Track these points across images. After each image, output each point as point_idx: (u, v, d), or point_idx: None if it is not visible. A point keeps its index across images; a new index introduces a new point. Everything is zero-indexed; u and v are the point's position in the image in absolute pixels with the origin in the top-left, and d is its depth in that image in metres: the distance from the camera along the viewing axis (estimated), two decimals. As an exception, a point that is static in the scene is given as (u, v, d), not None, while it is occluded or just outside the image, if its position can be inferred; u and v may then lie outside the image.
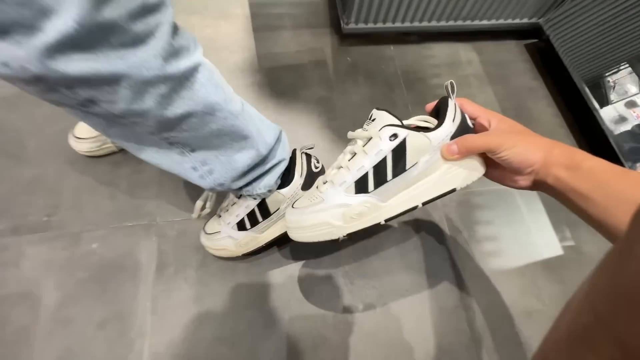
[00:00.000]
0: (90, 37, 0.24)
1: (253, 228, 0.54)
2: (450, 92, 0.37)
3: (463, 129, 0.37)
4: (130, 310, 0.54)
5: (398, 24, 0.81)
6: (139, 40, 0.27)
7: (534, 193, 0.71)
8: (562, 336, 0.20)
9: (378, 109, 0.38)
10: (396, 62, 0.84)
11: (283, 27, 0.87)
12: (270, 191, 0.49)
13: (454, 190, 0.37)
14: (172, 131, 0.35)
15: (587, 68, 0.77)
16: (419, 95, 0.80)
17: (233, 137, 0.40)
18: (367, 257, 0.61)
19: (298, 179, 0.51)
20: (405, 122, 0.38)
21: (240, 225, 0.53)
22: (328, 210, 0.38)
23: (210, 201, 0.53)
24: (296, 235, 0.41)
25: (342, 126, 0.74)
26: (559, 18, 0.81)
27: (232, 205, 0.53)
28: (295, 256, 0.60)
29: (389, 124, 0.36)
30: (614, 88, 0.72)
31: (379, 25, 0.81)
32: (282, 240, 0.59)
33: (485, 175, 0.40)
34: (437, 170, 0.37)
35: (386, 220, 0.38)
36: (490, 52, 0.90)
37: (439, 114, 0.38)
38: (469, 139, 0.35)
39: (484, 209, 0.68)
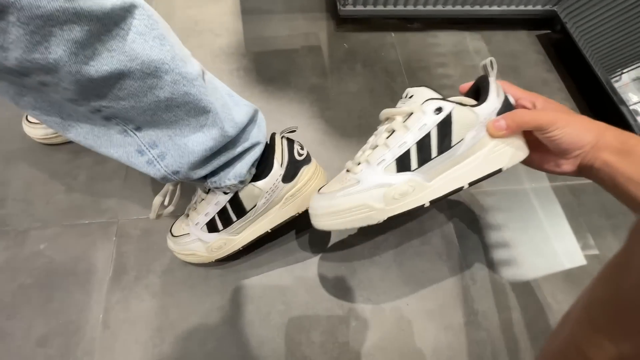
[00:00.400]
0: None
1: (226, 229, 0.45)
2: (489, 69, 0.34)
3: (507, 107, 0.34)
4: (79, 324, 0.45)
5: (400, 7, 0.74)
6: None
7: (551, 194, 0.63)
8: (560, 347, 0.20)
9: (412, 86, 0.36)
10: (397, 50, 0.77)
11: (275, 10, 0.79)
12: (242, 182, 0.41)
13: (500, 170, 0.35)
14: (103, 99, 0.27)
15: (610, 60, 0.70)
16: (423, 85, 0.72)
17: (188, 110, 0.31)
18: (361, 263, 0.53)
19: (278, 168, 0.43)
20: None
21: (211, 226, 0.45)
22: (366, 191, 0.34)
23: (172, 197, 0.44)
24: (323, 223, 0.36)
25: (336, 116, 0.66)
26: (576, 5, 0.74)
27: (199, 202, 0.45)
28: (278, 261, 0.52)
29: (431, 97, 0.33)
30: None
31: (379, 8, 0.73)
32: (262, 243, 0.51)
33: (524, 160, 0.36)
34: (483, 148, 0.34)
35: (431, 202, 0.35)
36: (500, 41, 0.82)
37: (477, 94, 0.36)
38: (519, 113, 0.33)
39: (496, 211, 0.60)
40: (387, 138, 0.35)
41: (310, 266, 0.52)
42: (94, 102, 0.27)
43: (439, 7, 0.75)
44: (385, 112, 0.36)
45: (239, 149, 0.38)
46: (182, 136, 0.33)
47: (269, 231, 0.47)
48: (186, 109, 0.31)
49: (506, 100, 0.35)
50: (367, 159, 0.35)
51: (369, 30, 0.79)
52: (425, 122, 0.33)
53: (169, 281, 0.49)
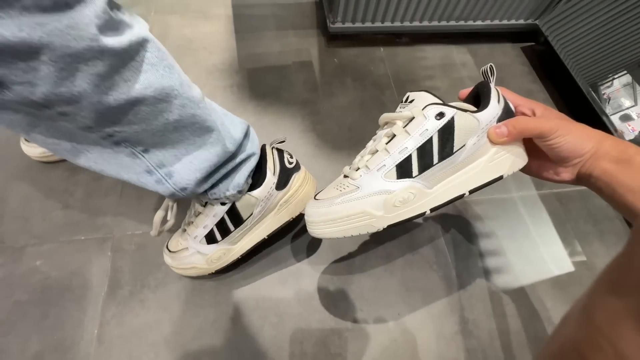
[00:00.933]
0: None
1: (225, 239, 0.47)
2: (489, 75, 0.34)
3: (507, 114, 0.34)
4: (74, 340, 0.46)
5: (388, 24, 0.77)
6: (62, 3, 0.21)
7: (538, 201, 0.64)
8: (559, 349, 0.20)
9: (413, 90, 0.35)
10: (386, 64, 0.79)
11: (267, 28, 0.82)
12: (240, 192, 0.43)
13: (501, 177, 0.34)
14: (117, 125, 0.29)
15: (591, 71, 0.72)
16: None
17: (194, 130, 0.34)
18: (352, 274, 0.54)
19: (271, 177, 0.45)
20: None
21: (210, 238, 0.46)
22: (366, 198, 0.33)
23: (172, 212, 0.45)
24: (321, 231, 0.35)
25: (327, 130, 0.68)
26: (557, 19, 0.77)
27: (197, 216, 0.46)
28: (271, 274, 0.53)
29: (432, 102, 0.33)
30: (608, 101, 0.69)
31: (368, 24, 0.76)
32: (257, 252, 0.52)
33: (523, 167, 0.36)
34: (483, 155, 0.34)
35: (432, 210, 0.34)
36: (485, 54, 0.85)
37: (476, 100, 0.35)
38: (521, 120, 0.33)
39: (484, 219, 0.61)
40: (387, 143, 0.34)
41: (302, 278, 0.53)
42: (108, 128, 0.29)
43: (425, 23, 0.78)
44: (385, 117, 0.36)
45: (238, 161, 0.40)
46: (188, 155, 0.35)
47: (266, 237, 0.48)
48: (192, 129, 0.33)
49: (506, 106, 0.34)
50: (367, 164, 0.35)
51: (358, 45, 0.81)
52: (427, 127, 0.32)
53: (163, 296, 0.49)
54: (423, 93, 0.34)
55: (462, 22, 0.80)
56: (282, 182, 0.46)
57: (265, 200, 0.45)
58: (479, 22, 0.81)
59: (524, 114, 0.36)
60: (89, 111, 0.26)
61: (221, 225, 0.45)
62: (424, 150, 0.33)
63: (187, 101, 0.32)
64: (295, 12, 0.86)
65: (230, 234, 0.46)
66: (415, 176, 0.33)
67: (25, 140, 0.55)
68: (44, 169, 0.57)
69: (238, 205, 0.44)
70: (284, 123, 0.68)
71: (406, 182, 0.33)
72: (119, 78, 0.26)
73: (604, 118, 0.66)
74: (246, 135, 0.43)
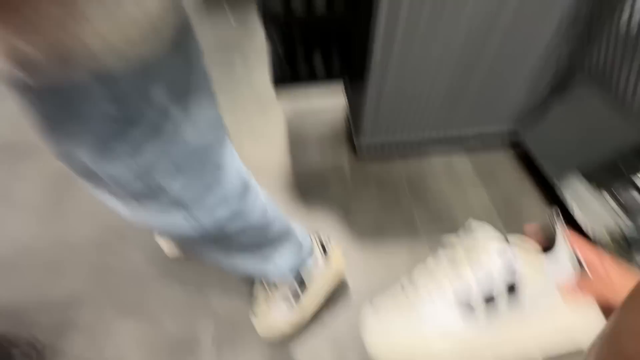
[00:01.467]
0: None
1: (297, 303, 0.71)
2: (556, 221, 0.34)
3: (576, 266, 0.33)
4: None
5: (398, 135, 1.03)
6: (247, 187, 0.50)
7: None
8: None
9: (475, 220, 0.44)
10: (402, 172, 1.04)
11: (310, 144, 1.12)
12: (307, 268, 0.69)
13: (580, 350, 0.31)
14: (257, 239, 0.56)
15: (563, 171, 0.91)
16: (422, 199, 0.98)
17: (288, 237, 0.62)
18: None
19: (318, 252, 0.72)
20: None
21: (288, 305, 0.71)
22: (425, 327, 0.34)
23: (264, 287, 0.72)
24: (379, 352, 0.35)
25: (355, 229, 0.92)
26: (533, 125, 0.98)
27: (276, 292, 0.71)
28: (322, 346, 0.75)
29: (495, 238, 0.34)
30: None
31: (388, 137, 1.03)
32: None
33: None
34: (554, 310, 0.32)
35: None
36: (482, 158, 1.07)
37: (547, 242, 0.35)
38: (595, 287, 0.32)
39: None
40: (450, 272, 0.35)
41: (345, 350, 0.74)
42: (249, 243, 0.56)
43: (427, 132, 1.03)
44: (449, 240, 0.37)
45: (304, 250, 0.67)
46: (284, 255, 0.62)
47: (322, 301, 0.75)
48: (287, 237, 0.61)
49: (576, 260, 0.33)
50: (428, 289, 0.35)
51: (380, 156, 1.08)
52: (490, 265, 0.32)
53: (247, 348, 0.73)
54: (486, 226, 0.35)
55: (455, 131, 1.04)
56: (325, 253, 0.73)
57: (317, 267, 0.71)
58: (470, 128, 1.04)
59: (593, 265, 0.33)
60: (253, 232, 0.53)
61: (294, 292, 0.70)
62: (485, 289, 0.32)
63: (283, 220, 0.59)
64: (331, 130, 1.16)
65: (300, 298, 0.71)
66: (476, 315, 0.32)
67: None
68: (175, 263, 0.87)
69: (304, 277, 0.70)
70: (326, 223, 0.93)
71: (468, 320, 0.32)
72: (261, 215, 0.53)
73: (574, 215, 0.84)
74: (300, 231, 0.69)
